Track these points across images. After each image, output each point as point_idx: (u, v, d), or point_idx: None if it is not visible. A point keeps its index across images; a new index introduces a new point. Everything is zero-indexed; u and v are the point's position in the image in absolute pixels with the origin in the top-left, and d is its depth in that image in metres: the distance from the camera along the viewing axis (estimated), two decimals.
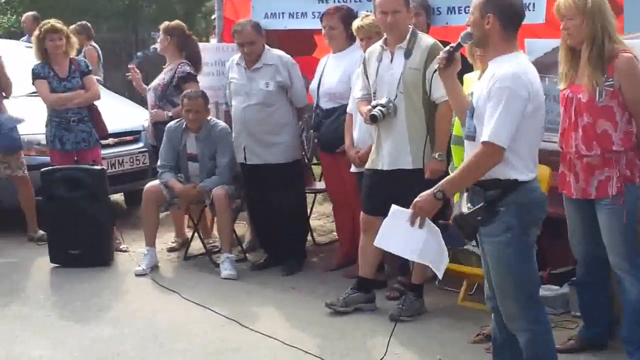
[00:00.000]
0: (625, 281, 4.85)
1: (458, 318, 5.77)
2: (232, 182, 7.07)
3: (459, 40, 4.18)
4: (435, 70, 4.34)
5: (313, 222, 8.14)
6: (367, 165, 5.86)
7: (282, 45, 7.34)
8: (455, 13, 6.43)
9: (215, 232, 7.67)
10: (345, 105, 6.44)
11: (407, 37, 5.65)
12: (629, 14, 5.37)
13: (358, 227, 6.13)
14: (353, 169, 6.35)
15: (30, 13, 12.51)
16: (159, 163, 7.26)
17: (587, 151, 4.80)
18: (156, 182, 7.25)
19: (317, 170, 8.13)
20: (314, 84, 6.81)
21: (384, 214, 5.80)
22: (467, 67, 5.39)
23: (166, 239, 7.91)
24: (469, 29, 4.17)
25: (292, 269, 6.95)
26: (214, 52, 8.06)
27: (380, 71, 5.72)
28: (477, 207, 4.07)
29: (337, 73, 6.62)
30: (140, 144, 8.81)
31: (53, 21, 7.77)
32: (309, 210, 7.86)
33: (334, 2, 6.97)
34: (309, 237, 7.68)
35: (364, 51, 6.03)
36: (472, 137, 4.12)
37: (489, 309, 4.42)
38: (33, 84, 7.78)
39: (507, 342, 4.35)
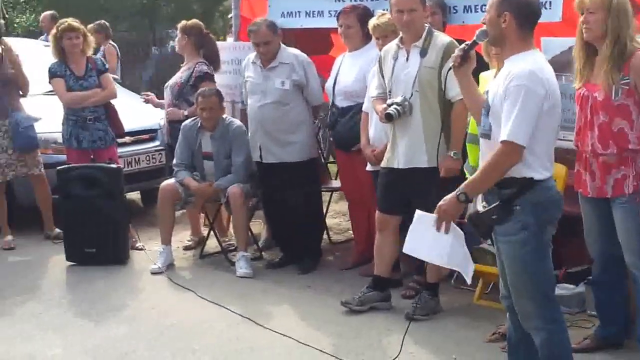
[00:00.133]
0: None
1: (473, 317, 5.76)
2: (247, 180, 7.08)
3: (474, 38, 4.17)
4: (450, 68, 4.33)
5: (329, 221, 8.14)
6: (383, 164, 5.85)
7: (299, 44, 7.34)
8: (471, 11, 6.40)
9: (231, 230, 7.67)
10: (361, 104, 6.44)
11: (423, 35, 5.64)
12: None
13: (374, 225, 6.12)
14: (369, 167, 6.35)
15: (48, 12, 12.54)
16: (174, 161, 7.28)
17: (603, 150, 4.77)
18: (172, 180, 7.26)
19: (333, 168, 8.13)
20: (329, 83, 6.81)
21: (400, 212, 5.86)
22: (483, 66, 5.38)
23: (182, 237, 7.93)
24: (484, 27, 4.16)
25: (308, 268, 6.96)
26: (230, 50, 8.08)
27: (396, 70, 5.71)
28: (492, 205, 4.06)
29: (352, 72, 6.61)
30: (157, 143, 8.83)
31: (70, 20, 7.81)
32: (325, 209, 7.86)
33: (350, 0, 6.96)
34: (325, 236, 7.68)
35: (380, 50, 6.02)
36: (487, 135, 4.11)
37: (504, 308, 4.40)
38: (50, 82, 7.81)
39: (522, 341, 4.33)
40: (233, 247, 7.41)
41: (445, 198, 4.06)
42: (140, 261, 7.36)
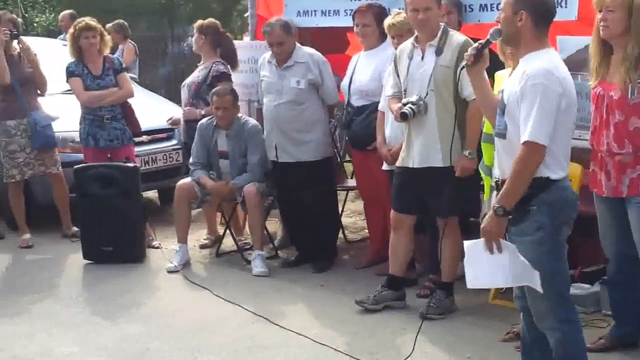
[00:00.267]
0: None
1: (488, 316, 5.75)
2: (263, 179, 7.09)
3: (488, 36, 4.15)
4: (463, 67, 4.32)
5: (345, 220, 8.14)
6: (398, 163, 5.85)
7: (315, 43, 7.35)
8: (487, 10, 6.39)
9: (247, 229, 7.68)
10: (377, 103, 6.43)
11: (438, 34, 5.63)
12: None
13: (389, 224, 6.11)
14: (385, 166, 6.33)
15: (67, 11, 12.58)
16: (190, 160, 7.31)
17: (619, 149, 4.75)
18: (188, 179, 7.29)
19: (349, 167, 8.13)
20: (345, 82, 6.80)
21: (414, 212, 5.86)
22: (499, 65, 5.37)
23: (198, 235, 7.96)
24: (498, 26, 4.15)
25: (323, 267, 6.96)
26: (246, 49, 8.09)
27: (411, 69, 5.70)
28: None
29: (368, 70, 6.61)
30: (174, 142, 8.84)
31: (87, 19, 7.84)
32: (340, 208, 7.85)
33: None
34: (340, 235, 7.67)
35: (396, 49, 6.02)
36: (502, 135, 4.10)
37: (518, 309, 4.39)
38: (67, 81, 7.83)
39: (536, 341, 4.32)
40: (249, 246, 7.43)
41: (485, 219, 4.00)
42: (157, 259, 7.39)
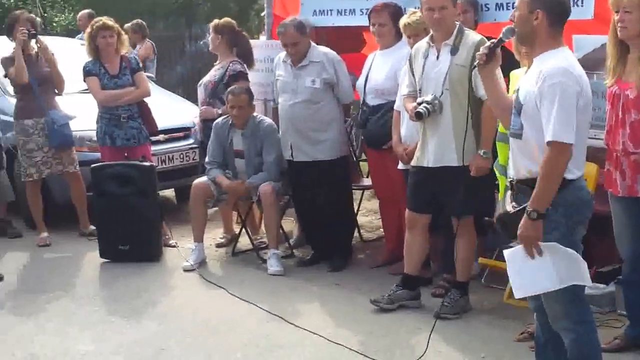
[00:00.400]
0: None
1: (503, 316, 5.74)
2: (279, 178, 7.10)
3: (501, 35, 4.15)
4: (475, 67, 4.30)
5: (361, 219, 8.14)
6: (413, 163, 5.85)
7: (331, 42, 7.35)
8: (503, 9, 6.37)
9: (263, 228, 7.69)
10: (392, 102, 6.42)
11: (454, 33, 5.62)
12: None
13: (404, 224, 6.10)
14: (401, 166, 6.32)
15: (85, 11, 12.63)
16: (206, 159, 7.33)
17: (635, 148, 4.74)
18: (204, 178, 7.30)
19: (365, 166, 8.12)
20: (360, 81, 6.80)
21: (429, 211, 5.85)
22: (514, 64, 5.35)
23: (215, 234, 7.98)
24: (511, 25, 4.14)
25: (338, 266, 6.96)
26: (263, 48, 8.10)
27: (427, 68, 5.69)
28: (524, 205, 4.01)
29: (384, 69, 6.60)
30: (190, 141, 8.87)
31: (105, 19, 7.87)
32: (356, 207, 7.86)
33: None
34: (356, 234, 7.67)
35: (412, 48, 6.01)
36: (518, 135, 4.07)
37: (531, 309, 4.38)
38: (84, 81, 7.87)
39: (549, 341, 4.30)
40: (265, 245, 7.45)
41: (520, 225, 3.95)
42: (173, 258, 7.41)
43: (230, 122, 7.17)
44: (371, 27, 6.72)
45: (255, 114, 7.23)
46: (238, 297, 6.33)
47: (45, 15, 20.43)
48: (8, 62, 7.97)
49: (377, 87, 6.62)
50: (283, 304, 6.17)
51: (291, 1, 7.94)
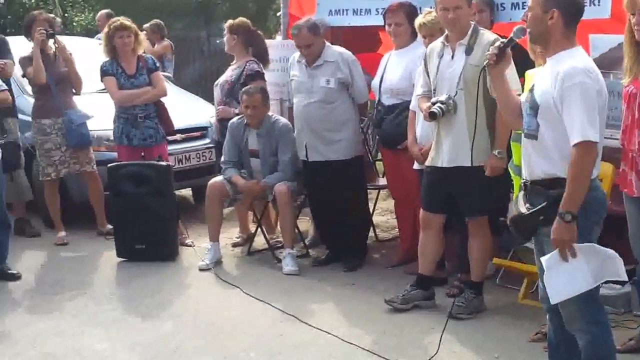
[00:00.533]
0: None
1: (517, 316, 5.72)
2: (295, 178, 7.11)
3: (512, 35, 4.14)
4: (484, 67, 4.29)
5: (376, 218, 8.14)
6: (427, 163, 5.84)
7: (346, 42, 7.35)
8: (519, 9, 6.34)
9: (278, 227, 7.70)
10: (407, 102, 6.41)
11: (469, 33, 5.60)
12: None
13: (419, 224, 6.09)
14: (416, 166, 6.31)
15: (104, 11, 12.71)
16: (222, 159, 7.35)
17: None
18: (220, 178, 7.32)
19: (381, 166, 8.11)
20: (376, 80, 6.80)
21: (444, 211, 5.83)
22: (529, 63, 5.33)
23: (231, 234, 8.00)
24: (523, 25, 4.12)
25: (353, 265, 6.97)
26: (278, 48, 8.10)
27: (441, 68, 5.69)
28: (539, 207, 4.00)
29: (399, 69, 6.59)
30: (207, 140, 8.89)
31: (122, 19, 7.90)
32: (372, 207, 7.85)
33: None
34: (371, 233, 7.67)
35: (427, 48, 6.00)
36: (533, 136, 4.05)
37: (544, 310, 4.37)
38: (101, 80, 7.90)
39: (562, 342, 4.30)
40: (280, 244, 7.46)
41: (553, 229, 3.92)
42: (189, 257, 7.43)
43: (245, 121, 7.18)
44: (387, 27, 6.72)
45: (270, 113, 7.24)
46: (253, 297, 6.34)
47: (66, 15, 20.54)
48: (26, 61, 8.00)
49: (392, 86, 6.61)
50: (297, 304, 6.18)
51: (307, 1, 7.95)
